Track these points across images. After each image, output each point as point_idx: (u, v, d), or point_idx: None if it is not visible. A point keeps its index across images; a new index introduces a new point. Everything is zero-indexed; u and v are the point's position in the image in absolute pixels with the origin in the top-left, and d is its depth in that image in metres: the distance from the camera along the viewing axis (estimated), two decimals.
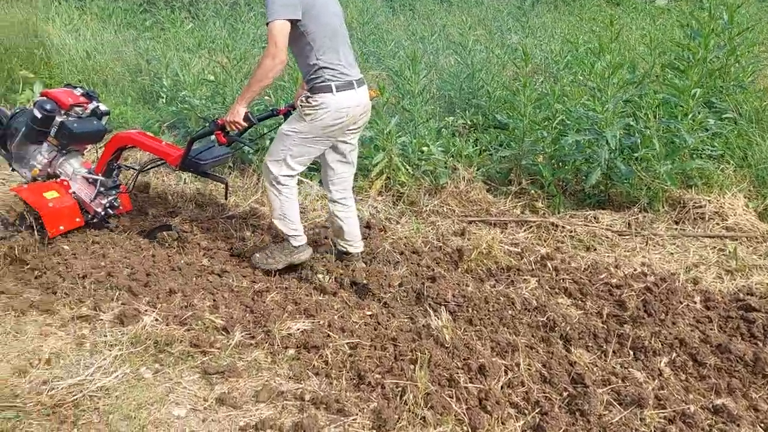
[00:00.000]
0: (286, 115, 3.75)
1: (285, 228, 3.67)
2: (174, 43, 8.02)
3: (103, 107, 4.26)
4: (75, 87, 4.29)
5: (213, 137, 3.64)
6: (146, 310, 3.30)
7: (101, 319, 3.24)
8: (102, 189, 4.06)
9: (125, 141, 4.10)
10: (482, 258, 3.91)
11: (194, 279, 3.65)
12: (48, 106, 3.93)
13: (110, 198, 4.12)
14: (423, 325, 3.19)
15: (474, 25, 8.62)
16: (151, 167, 4.30)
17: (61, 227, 3.86)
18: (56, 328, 3.17)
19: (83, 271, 3.58)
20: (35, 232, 3.83)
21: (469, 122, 5.93)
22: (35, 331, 3.13)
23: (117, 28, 8.08)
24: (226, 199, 4.59)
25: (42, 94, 4.17)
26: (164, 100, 6.76)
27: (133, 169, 4.35)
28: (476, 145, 5.34)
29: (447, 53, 7.55)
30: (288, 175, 3.56)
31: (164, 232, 4.08)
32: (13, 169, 4.33)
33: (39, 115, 3.91)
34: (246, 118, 3.44)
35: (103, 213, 4.11)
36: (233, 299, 3.46)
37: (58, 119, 4.01)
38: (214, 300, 3.43)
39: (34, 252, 3.76)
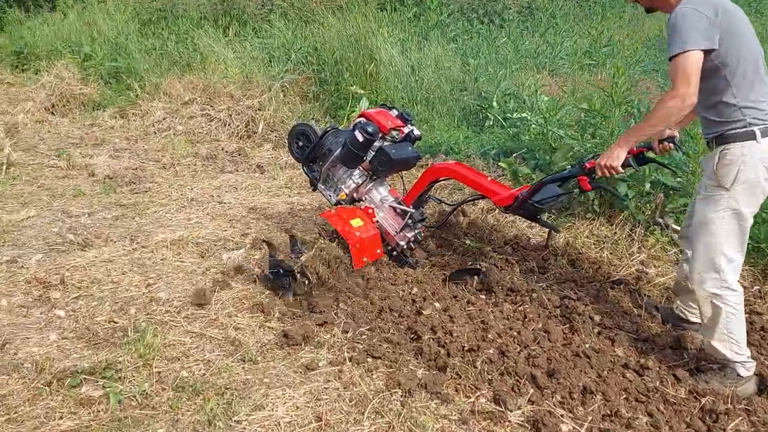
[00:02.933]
0: (637, 157, 3.00)
1: (728, 351, 2.73)
2: (495, 56, 7.44)
3: (416, 131, 3.86)
4: (390, 108, 3.91)
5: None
6: (562, 415, 2.52)
7: (509, 421, 2.53)
8: (410, 222, 3.66)
9: (444, 173, 3.68)
10: None
11: (607, 373, 2.78)
12: (370, 129, 3.57)
13: (416, 231, 3.73)
14: None
15: None
16: (467, 201, 3.99)
17: (365, 259, 3.47)
18: (456, 425, 2.51)
19: (468, 343, 2.93)
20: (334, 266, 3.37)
21: None
22: (434, 425, 2.50)
23: (439, 41, 7.70)
24: (546, 247, 3.96)
25: (361, 115, 3.83)
26: (494, 123, 6.12)
27: (444, 203, 4.05)
28: None
29: None
30: (731, 274, 2.66)
31: (471, 276, 3.56)
32: (314, 189, 4.05)
33: (360, 139, 3.57)
34: (626, 164, 2.76)
35: (405, 247, 3.72)
36: (674, 417, 2.52)
37: (377, 144, 3.67)
38: (649, 413, 2.53)
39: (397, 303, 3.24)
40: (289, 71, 7.53)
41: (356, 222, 3.54)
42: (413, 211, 3.71)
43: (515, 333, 3.06)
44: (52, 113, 7.84)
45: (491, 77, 6.62)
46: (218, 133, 7.06)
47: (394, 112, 3.88)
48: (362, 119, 3.79)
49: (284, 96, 7.29)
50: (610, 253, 3.92)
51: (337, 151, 3.76)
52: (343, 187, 3.85)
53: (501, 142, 5.54)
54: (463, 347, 2.92)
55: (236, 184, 5.50)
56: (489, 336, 3.02)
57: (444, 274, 3.68)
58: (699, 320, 2.94)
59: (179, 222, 4.56)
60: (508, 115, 6.26)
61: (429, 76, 6.89)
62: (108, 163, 5.92)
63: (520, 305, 3.31)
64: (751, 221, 2.66)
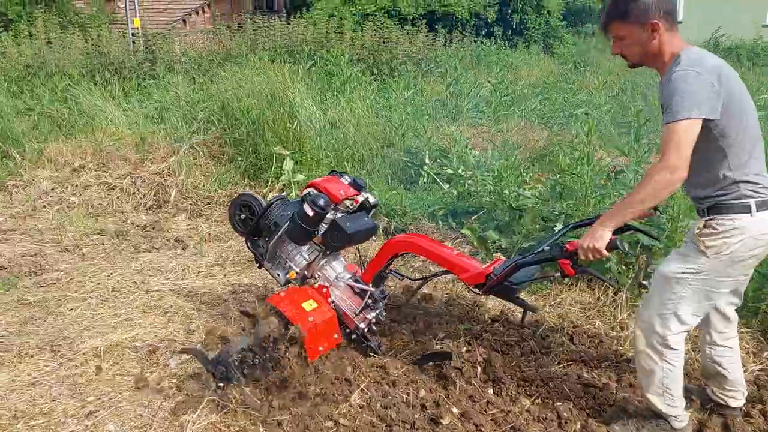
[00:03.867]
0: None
1: (662, 405, 2.67)
2: (404, 108, 7.32)
3: (372, 199, 3.54)
4: (341, 174, 3.59)
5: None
6: None
7: None
8: (370, 301, 3.29)
9: (405, 248, 3.37)
10: None
11: None
12: (321, 202, 3.22)
13: (377, 312, 3.38)
14: None
15: None
16: (432, 277, 3.63)
17: (321, 348, 3.06)
18: None
19: None
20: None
21: None
22: None
23: (351, 95, 7.49)
24: (522, 322, 3.69)
25: (310, 185, 3.47)
26: (428, 180, 5.95)
27: (407, 278, 3.70)
28: None
29: None
30: (678, 334, 2.58)
31: (440, 361, 3.28)
32: (260, 266, 3.63)
33: (310, 213, 3.21)
34: (612, 246, 2.52)
35: (365, 329, 3.35)
36: None
37: (329, 216, 3.33)
38: None
39: None
40: (196, 132, 6.96)
41: (309, 305, 3.10)
42: (373, 290, 3.34)
43: None
44: None
45: (417, 132, 6.47)
46: (121, 204, 6.33)
47: (346, 179, 3.54)
48: (312, 189, 3.41)
49: (194, 159, 6.70)
50: (601, 322, 3.78)
51: (285, 226, 3.37)
52: (292, 264, 3.44)
53: (446, 202, 5.35)
54: None
55: (159, 265, 4.87)
56: None
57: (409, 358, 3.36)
58: (739, 405, 2.86)
59: (105, 321, 3.89)
60: (442, 171, 6.13)
61: (352, 133, 6.62)
62: None
63: (537, 398, 3.04)
64: (724, 292, 2.59)
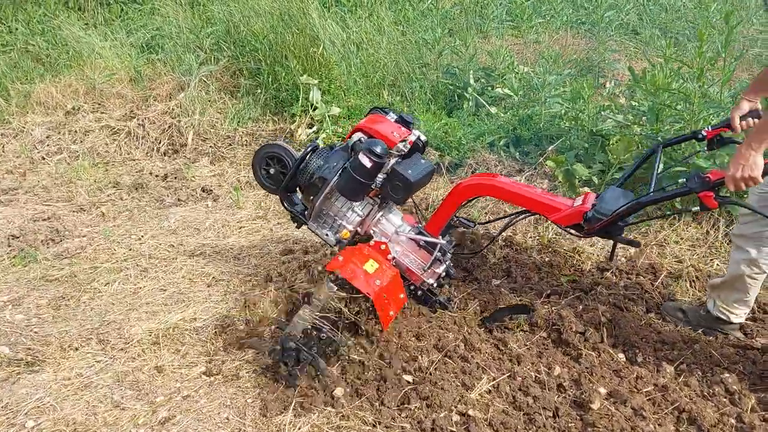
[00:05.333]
0: (712, 141, 2.72)
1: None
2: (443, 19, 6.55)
3: (423, 137, 2.99)
4: (385, 110, 3.05)
5: None
6: None
7: None
8: (439, 254, 2.85)
9: (477, 192, 2.92)
10: None
11: None
12: (379, 150, 2.70)
13: (446, 264, 2.94)
14: None
15: None
16: (515, 222, 3.07)
17: (392, 312, 2.64)
18: None
19: None
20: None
21: None
22: None
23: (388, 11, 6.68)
24: (611, 260, 3.25)
25: (357, 129, 2.92)
26: (474, 105, 5.32)
27: (479, 224, 3.30)
28: None
29: None
30: None
31: (516, 316, 2.93)
32: (299, 226, 3.13)
33: (368, 165, 2.69)
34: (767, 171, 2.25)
35: (435, 285, 2.96)
36: None
37: (387, 165, 2.83)
38: None
39: None
40: (204, 63, 6.18)
41: (370, 266, 2.67)
42: (442, 242, 2.89)
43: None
44: None
45: (456, 48, 5.74)
46: (131, 150, 5.66)
47: (392, 116, 3.01)
48: (361, 135, 2.89)
49: (206, 94, 5.97)
50: (721, 262, 3.30)
51: (334, 180, 2.83)
52: (344, 222, 2.94)
53: (506, 129, 4.74)
54: None
55: (194, 222, 4.29)
56: None
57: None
58: (740, 321, 2.79)
59: (152, 298, 3.36)
60: (487, 92, 5.49)
61: (382, 54, 5.89)
62: (3, 214, 4.42)
63: (683, 365, 2.59)
64: None
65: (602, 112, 4.03)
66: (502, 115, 5.11)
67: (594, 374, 2.53)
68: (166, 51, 6.73)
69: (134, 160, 5.51)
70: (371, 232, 2.97)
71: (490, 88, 5.55)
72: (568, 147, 4.15)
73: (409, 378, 2.56)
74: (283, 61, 5.64)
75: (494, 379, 2.54)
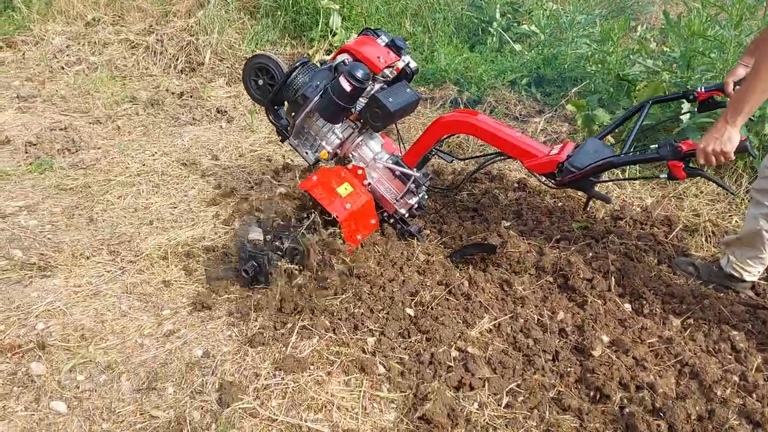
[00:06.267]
0: (704, 102, 2.74)
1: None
2: None
3: (412, 64, 3.00)
4: (376, 32, 2.99)
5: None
6: None
7: None
8: (413, 186, 2.90)
9: (458, 128, 2.94)
10: None
11: None
12: (360, 74, 2.69)
13: (419, 196, 3.01)
14: None
15: None
16: (491, 162, 3.09)
17: (359, 236, 2.80)
18: None
19: None
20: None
21: None
22: None
23: None
24: (584, 210, 3.33)
25: (343, 50, 2.91)
26: (498, 40, 5.16)
27: (457, 159, 3.26)
28: None
29: None
30: None
31: (481, 254, 2.94)
32: (282, 140, 3.16)
33: (348, 89, 2.70)
34: (741, 148, 2.22)
35: (406, 215, 3.05)
36: None
37: (370, 90, 2.84)
38: None
39: None
40: None
41: (344, 189, 2.78)
42: (417, 174, 2.93)
43: None
44: None
45: None
46: (148, 66, 5.60)
47: (383, 40, 2.96)
48: (346, 57, 2.89)
49: (226, 13, 5.84)
50: (739, 219, 3.26)
51: (315, 100, 2.84)
52: (323, 143, 3.00)
53: (529, 68, 4.62)
54: None
55: (207, 142, 4.28)
56: None
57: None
58: (753, 280, 2.75)
59: (162, 214, 3.38)
60: (513, 28, 5.32)
61: None
62: (21, 121, 4.43)
63: (689, 318, 2.60)
64: None
65: (631, 56, 3.91)
66: (526, 53, 4.98)
67: (598, 322, 2.53)
68: None
69: (151, 75, 5.46)
70: (350, 156, 3.03)
71: (515, 24, 5.40)
72: (592, 91, 4.05)
73: (410, 311, 2.59)
74: None
75: (495, 318, 2.56)
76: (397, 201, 2.96)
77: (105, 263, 2.95)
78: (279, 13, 5.74)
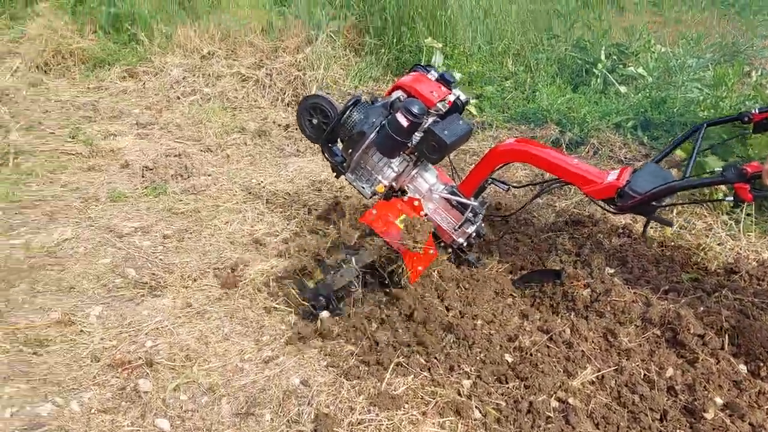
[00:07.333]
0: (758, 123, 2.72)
1: None
2: None
3: (463, 96, 3.05)
4: (427, 68, 3.08)
5: None
6: None
7: None
8: (470, 215, 2.96)
9: (513, 157, 3.03)
10: None
11: None
12: (416, 110, 2.74)
13: (477, 225, 3.04)
14: None
15: None
16: (548, 189, 3.20)
17: (420, 267, 2.79)
18: None
19: None
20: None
21: None
22: None
23: None
24: (643, 235, 3.33)
25: (397, 86, 3.00)
26: (603, 82, 5.05)
27: (512, 186, 3.29)
28: None
29: None
30: None
31: (546, 281, 2.94)
32: (337, 176, 3.22)
33: (405, 124, 2.75)
34: None
35: (464, 244, 3.06)
36: None
37: (425, 124, 2.86)
38: None
39: None
40: (334, 18, 6.26)
41: (402, 221, 2.76)
42: (474, 203, 2.98)
43: None
44: (45, 72, 6.49)
45: (588, 22, 5.48)
46: (257, 98, 5.86)
47: (433, 75, 3.06)
48: (401, 93, 2.99)
49: (332, 50, 6.06)
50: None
51: (372, 136, 2.92)
52: (380, 177, 3.04)
53: (636, 111, 4.48)
54: None
55: (310, 174, 4.41)
56: None
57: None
58: None
59: (265, 239, 3.49)
60: (618, 70, 5.20)
61: (512, 21, 5.71)
62: (139, 147, 4.74)
63: None
64: None
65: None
66: (633, 95, 4.84)
67: (711, 382, 2.38)
68: (298, 5, 6.86)
69: (260, 107, 5.71)
70: (406, 188, 3.08)
71: (621, 66, 5.27)
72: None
73: (509, 357, 2.53)
74: (410, 22, 5.62)
75: (599, 370, 2.46)
76: (455, 231, 3.01)
77: (210, 286, 3.07)
78: (383, 50, 5.89)
